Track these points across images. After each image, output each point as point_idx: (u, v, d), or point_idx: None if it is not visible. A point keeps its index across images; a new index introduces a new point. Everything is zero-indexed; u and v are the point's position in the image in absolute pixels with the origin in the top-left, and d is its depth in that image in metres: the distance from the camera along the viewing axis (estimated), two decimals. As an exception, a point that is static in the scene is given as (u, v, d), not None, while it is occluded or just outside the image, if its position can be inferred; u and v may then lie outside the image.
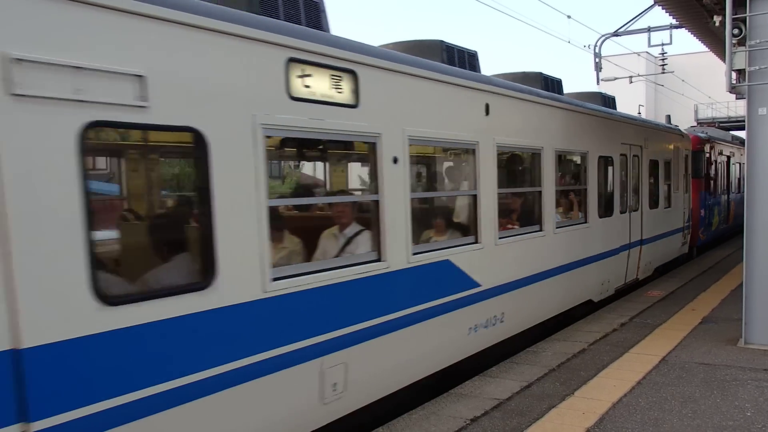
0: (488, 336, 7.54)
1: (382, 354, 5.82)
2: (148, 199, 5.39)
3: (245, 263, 4.50)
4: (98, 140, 4.10)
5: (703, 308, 10.46)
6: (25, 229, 3.31)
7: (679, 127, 17.15)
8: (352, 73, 5.44)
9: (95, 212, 3.67)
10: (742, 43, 7.98)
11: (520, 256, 8.16)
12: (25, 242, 3.31)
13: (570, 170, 10.13)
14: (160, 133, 4.38)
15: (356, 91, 5.47)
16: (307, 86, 5.02)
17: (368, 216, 5.87)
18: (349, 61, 5.40)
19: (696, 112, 43.73)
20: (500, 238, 7.64)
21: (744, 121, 8.23)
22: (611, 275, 11.17)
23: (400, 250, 6.01)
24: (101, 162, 4.79)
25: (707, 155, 17.89)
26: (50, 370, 3.39)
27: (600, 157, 10.47)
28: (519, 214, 8.50)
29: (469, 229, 7.23)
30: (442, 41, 7.30)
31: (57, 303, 3.42)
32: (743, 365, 7.34)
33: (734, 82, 8.21)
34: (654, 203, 13.28)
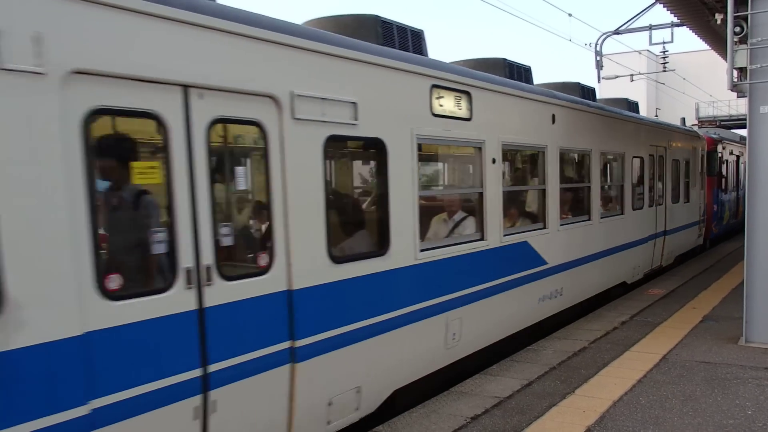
0: (550, 306, 9.13)
1: (482, 314, 7.36)
2: (353, 190, 7.28)
3: (406, 238, 6.17)
4: (331, 148, 5.58)
5: (704, 306, 10.46)
6: (294, 207, 4.91)
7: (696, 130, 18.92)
8: (468, 94, 7.07)
9: (328, 197, 5.28)
10: (743, 41, 7.96)
11: (574, 241, 9.71)
12: (293, 217, 4.90)
13: (610, 169, 11.49)
14: (356, 142, 6.18)
15: (470, 108, 7.10)
16: (441, 105, 6.62)
17: (472, 205, 7.52)
18: (466, 84, 7.03)
19: (697, 110, 43.66)
20: (561, 225, 9.20)
21: (745, 119, 8.22)
22: (641, 261, 12.69)
23: (495, 232, 7.57)
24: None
25: (719, 155, 19.14)
26: (306, 305, 5.01)
27: (633, 157, 12.01)
28: (573, 205, 9.99)
29: (539, 217, 8.84)
30: (504, 59, 8.60)
31: (311, 261, 5.06)
32: (744, 363, 7.34)
33: (736, 80, 8.19)
34: (675, 198, 14.75)
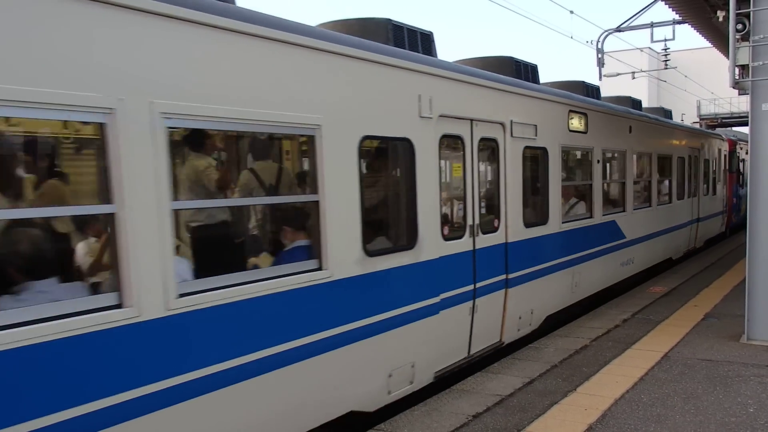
0: (626, 270, 12.22)
1: (590, 270, 10.38)
2: (533, 180, 8.89)
3: (555, 213, 8.99)
4: (526, 154, 8.39)
5: (705, 304, 10.45)
6: (509, 190, 7.98)
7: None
8: (586, 115, 10.15)
9: (524, 184, 8.37)
10: (745, 38, 7.94)
11: (641, 222, 12.80)
12: (509, 197, 7.94)
13: (662, 167, 14.26)
14: (535, 150, 8.70)
15: (586, 124, 10.17)
16: (572, 123, 9.72)
17: (582, 192, 10.65)
18: (586, 108, 10.18)
19: (698, 108, 43.59)
20: (634, 209, 12.31)
21: (747, 117, 8.20)
22: (682, 241, 15.94)
23: (598, 212, 10.69)
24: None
25: (738, 154, 21.97)
26: (513, 252, 8.00)
27: (678, 157, 15.05)
28: (641, 195, 13.11)
29: (620, 203, 11.99)
30: (583, 81, 11.32)
31: (516, 226, 8.12)
32: (746, 361, 7.33)
33: (738, 77, 8.17)
34: (705, 192, 17.91)
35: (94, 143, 3.85)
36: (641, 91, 45.21)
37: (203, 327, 4.24)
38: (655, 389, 6.47)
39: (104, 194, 3.77)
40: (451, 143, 7.01)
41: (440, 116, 6.57)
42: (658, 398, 6.22)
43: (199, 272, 4.39)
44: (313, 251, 5.24)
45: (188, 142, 4.90)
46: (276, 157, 5.94)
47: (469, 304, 7.14)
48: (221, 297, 4.33)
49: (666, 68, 24.28)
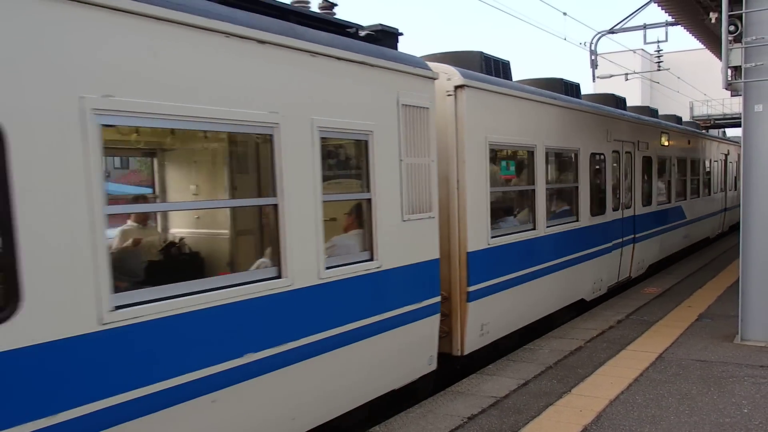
0: (684, 242, 16.76)
1: (670, 238, 15.16)
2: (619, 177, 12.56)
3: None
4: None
5: (699, 305, 10.48)
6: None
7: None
8: (668, 133, 14.76)
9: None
10: (738, 39, 7.97)
11: (694, 208, 17.55)
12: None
13: (705, 166, 19.19)
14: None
15: (669, 140, 14.77)
16: (664, 139, 14.82)
17: (668, 184, 15.27)
18: (668, 130, 15.17)
19: (691, 109, 43.77)
20: (690, 198, 17.15)
21: (740, 118, 8.23)
22: (716, 225, 20.96)
23: (674, 198, 15.41)
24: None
25: None
26: (637, 221, 12.87)
27: (713, 160, 20.28)
28: (694, 188, 17.75)
29: (683, 193, 16.53)
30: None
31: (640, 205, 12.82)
32: (740, 362, 7.35)
33: (730, 79, 8.20)
34: (730, 188, 22.73)
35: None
36: (634, 92, 45.36)
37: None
38: (649, 390, 6.48)
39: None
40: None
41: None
42: (653, 399, 6.23)
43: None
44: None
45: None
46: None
47: (630, 247, 12.47)
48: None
49: (659, 69, 24.36)
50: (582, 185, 10.15)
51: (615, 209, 11.55)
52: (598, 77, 19.76)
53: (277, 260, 4.82)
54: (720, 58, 8.35)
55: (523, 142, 8.52)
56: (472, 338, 7.29)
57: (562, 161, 10.10)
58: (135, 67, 3.84)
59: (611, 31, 18.64)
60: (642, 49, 28.78)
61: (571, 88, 10.57)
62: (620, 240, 11.79)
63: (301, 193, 4.96)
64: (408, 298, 6.18)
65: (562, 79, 10.49)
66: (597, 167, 10.96)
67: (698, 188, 18.00)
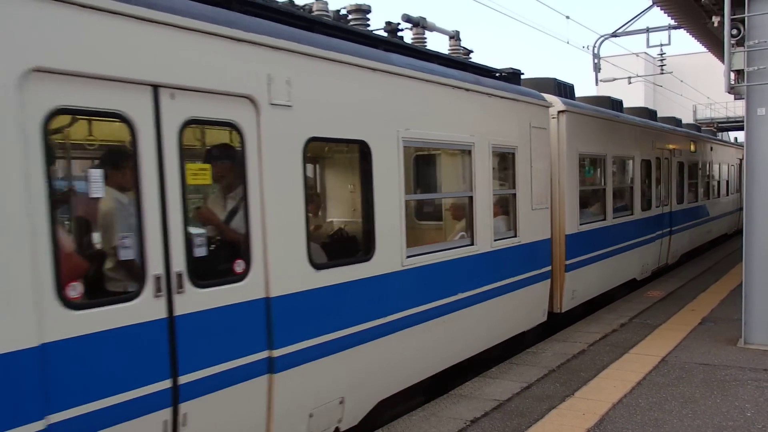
0: (707, 236, 18.82)
1: (676, 241, 15.36)
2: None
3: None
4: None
5: (702, 308, 10.47)
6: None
7: None
8: (713, 148, 19.81)
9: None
10: (740, 43, 7.98)
11: (723, 207, 20.78)
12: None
13: (721, 172, 21.22)
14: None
15: (700, 149, 18.01)
16: (714, 152, 19.94)
17: (696, 186, 17.59)
18: (710, 141, 19.94)
19: (695, 112, 43.76)
20: (722, 198, 20.67)
21: (742, 121, 8.24)
22: (732, 223, 22.58)
23: (701, 198, 17.96)
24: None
25: None
26: (674, 217, 15.14)
27: (730, 165, 22.53)
28: (709, 189, 19.35)
29: (707, 193, 18.66)
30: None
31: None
32: (743, 365, 7.34)
33: (733, 82, 8.21)
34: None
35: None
36: (637, 95, 45.35)
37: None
38: (652, 393, 6.48)
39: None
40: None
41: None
42: (656, 402, 6.23)
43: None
44: None
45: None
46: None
47: (667, 238, 14.73)
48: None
49: (662, 73, 24.37)
50: (635, 185, 12.70)
51: (657, 206, 13.97)
52: (601, 80, 19.77)
53: (471, 234, 7.22)
54: (723, 61, 8.36)
55: (599, 152, 11.07)
56: (567, 300, 9.70)
57: (623, 166, 12.63)
58: (419, 111, 6.41)
59: (614, 35, 18.65)
60: (645, 53, 28.79)
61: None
62: (660, 232, 14.18)
63: (483, 189, 7.31)
64: (534, 265, 8.57)
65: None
66: (646, 171, 13.47)
67: (718, 189, 20.51)
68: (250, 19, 4.69)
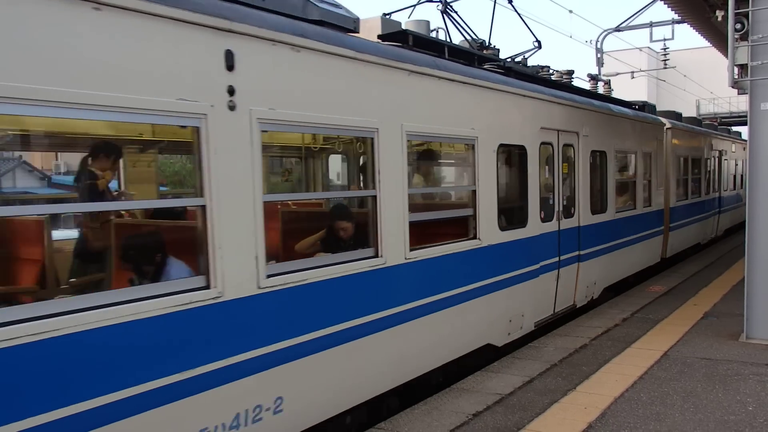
0: (718, 229, 20.13)
1: (723, 218, 20.30)
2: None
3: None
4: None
5: (704, 303, 10.47)
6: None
7: None
8: (733, 141, 22.65)
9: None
10: (744, 38, 7.95)
11: (729, 200, 21.15)
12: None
13: (736, 166, 22.91)
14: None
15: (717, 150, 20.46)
16: (731, 151, 22.36)
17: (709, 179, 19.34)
18: (738, 142, 23.12)
19: (698, 107, 43.67)
20: (727, 190, 21.06)
21: (746, 116, 8.22)
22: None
23: (713, 191, 19.00)
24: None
25: None
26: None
27: (743, 160, 23.25)
28: (735, 180, 22.19)
29: (717, 186, 19.67)
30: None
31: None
32: (745, 360, 7.35)
33: (737, 77, 8.18)
34: None
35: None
36: (640, 90, 45.23)
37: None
38: (654, 388, 6.49)
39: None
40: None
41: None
42: (658, 397, 6.24)
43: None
44: None
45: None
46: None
47: (717, 216, 19.42)
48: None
49: (665, 68, 24.33)
50: (702, 176, 17.40)
51: (712, 191, 18.62)
52: (604, 75, 19.72)
53: (635, 202, 12.35)
54: (726, 56, 8.34)
55: (685, 154, 15.89)
56: (669, 250, 14.61)
57: (695, 163, 16.88)
58: (621, 133, 11.58)
59: (617, 29, 18.62)
60: (648, 47, 28.71)
61: (671, 114, 16.07)
62: (714, 210, 19.01)
63: (641, 176, 12.61)
64: (659, 224, 13.93)
65: (673, 111, 16.79)
66: (706, 166, 18.04)
67: (741, 181, 23.48)
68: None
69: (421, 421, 5.76)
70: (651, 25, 18.52)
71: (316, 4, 5.32)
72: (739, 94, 9.03)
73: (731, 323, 8.90)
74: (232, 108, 4.30)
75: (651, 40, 19.64)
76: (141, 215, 5.91)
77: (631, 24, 18.39)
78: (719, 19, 10.16)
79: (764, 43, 7.79)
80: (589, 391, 6.46)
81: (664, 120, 14.51)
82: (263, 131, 4.56)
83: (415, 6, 8.58)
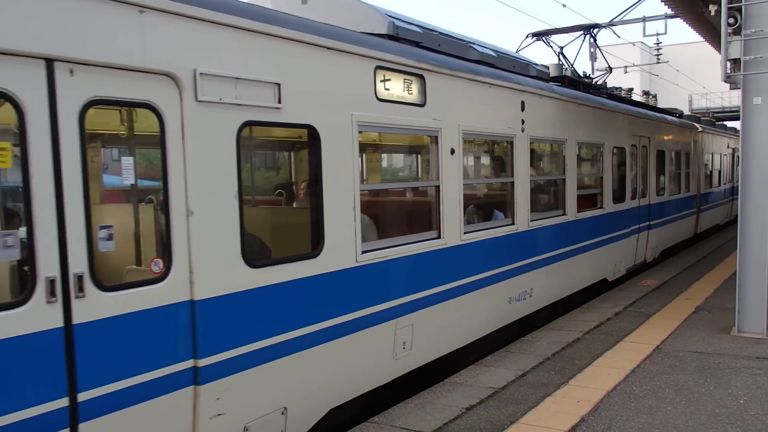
0: (717, 221, 21.71)
1: (708, 216, 19.93)
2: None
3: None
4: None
5: (696, 297, 10.52)
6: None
7: None
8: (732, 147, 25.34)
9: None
10: (737, 32, 7.97)
11: (721, 195, 22.18)
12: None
13: (733, 163, 24.71)
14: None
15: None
16: (728, 146, 24.18)
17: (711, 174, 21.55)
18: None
19: (690, 102, 43.83)
20: (718, 185, 21.89)
21: (738, 111, 8.23)
22: None
23: (707, 186, 19.65)
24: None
25: None
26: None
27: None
28: (720, 178, 22.92)
29: (711, 182, 20.76)
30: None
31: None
32: (736, 353, 7.40)
33: (729, 71, 8.19)
34: None
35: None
36: (633, 84, 45.28)
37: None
38: (646, 381, 6.52)
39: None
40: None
41: None
42: (650, 390, 6.27)
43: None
44: None
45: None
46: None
47: (731, 203, 22.63)
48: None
49: (658, 62, 24.38)
50: (722, 170, 21.02)
51: (725, 182, 21.79)
52: (597, 69, 19.73)
53: (685, 186, 16.41)
54: (719, 50, 8.35)
55: (711, 151, 19.63)
56: (700, 227, 17.90)
57: (717, 158, 20.47)
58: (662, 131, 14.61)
59: (611, 24, 18.61)
60: (641, 42, 28.76)
61: (699, 119, 19.72)
62: (729, 198, 22.37)
63: (684, 169, 16.34)
64: (693, 206, 17.07)
65: (698, 117, 20.74)
66: (720, 161, 21.17)
67: (732, 178, 26.13)
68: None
69: (415, 415, 5.76)
70: (644, 19, 18.54)
71: (535, 65, 9.28)
72: (731, 88, 9.06)
73: (723, 317, 8.94)
74: (522, 131, 8.27)
75: (644, 35, 19.72)
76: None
77: (624, 18, 18.40)
78: (712, 13, 10.20)
79: (757, 38, 7.80)
80: (582, 384, 6.48)
81: (696, 125, 18.34)
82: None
83: (529, 44, 15.09)
